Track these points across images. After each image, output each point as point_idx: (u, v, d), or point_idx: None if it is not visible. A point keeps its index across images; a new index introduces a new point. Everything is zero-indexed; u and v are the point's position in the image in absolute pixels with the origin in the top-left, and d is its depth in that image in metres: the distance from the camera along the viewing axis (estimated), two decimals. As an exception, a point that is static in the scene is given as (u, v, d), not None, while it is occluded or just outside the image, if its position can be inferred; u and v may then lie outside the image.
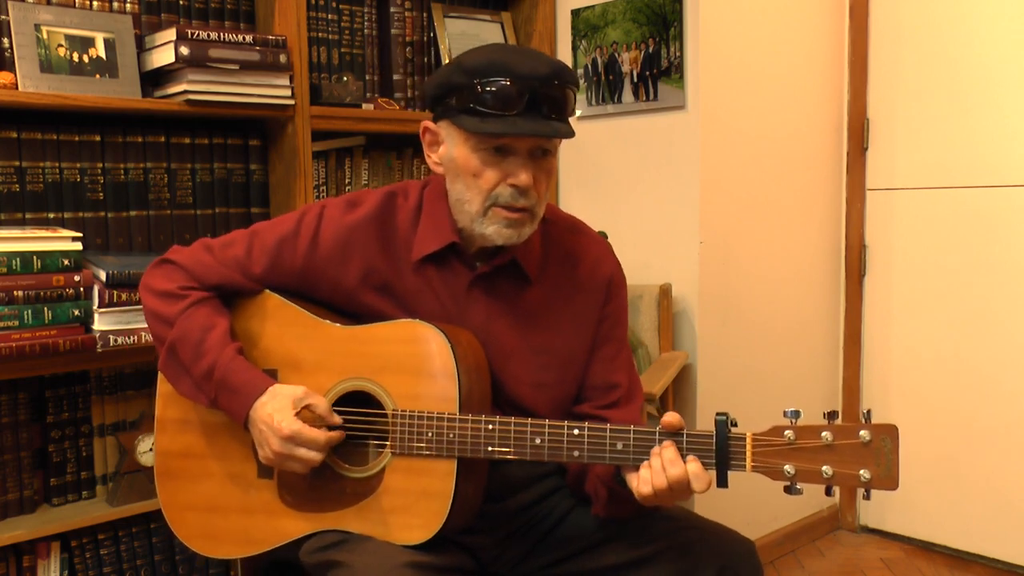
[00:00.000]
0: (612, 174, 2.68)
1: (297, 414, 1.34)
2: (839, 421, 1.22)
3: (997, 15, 2.61)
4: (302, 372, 1.44)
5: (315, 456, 1.34)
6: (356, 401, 1.40)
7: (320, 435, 1.33)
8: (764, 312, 2.73)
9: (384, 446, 1.37)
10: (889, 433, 1.19)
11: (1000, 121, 2.62)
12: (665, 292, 2.49)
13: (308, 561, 1.39)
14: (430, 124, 1.43)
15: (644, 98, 2.55)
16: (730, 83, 2.55)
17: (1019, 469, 2.64)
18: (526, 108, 1.30)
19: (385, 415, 1.37)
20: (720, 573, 1.33)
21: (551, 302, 1.47)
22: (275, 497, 1.43)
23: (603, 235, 2.45)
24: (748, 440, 1.23)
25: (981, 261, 2.69)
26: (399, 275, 1.45)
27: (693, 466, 1.23)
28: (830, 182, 2.94)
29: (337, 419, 1.37)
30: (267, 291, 1.49)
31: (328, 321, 1.44)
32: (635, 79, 2.57)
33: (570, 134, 1.34)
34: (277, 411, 1.34)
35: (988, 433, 2.70)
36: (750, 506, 2.70)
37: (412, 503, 1.34)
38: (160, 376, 1.51)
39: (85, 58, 2.00)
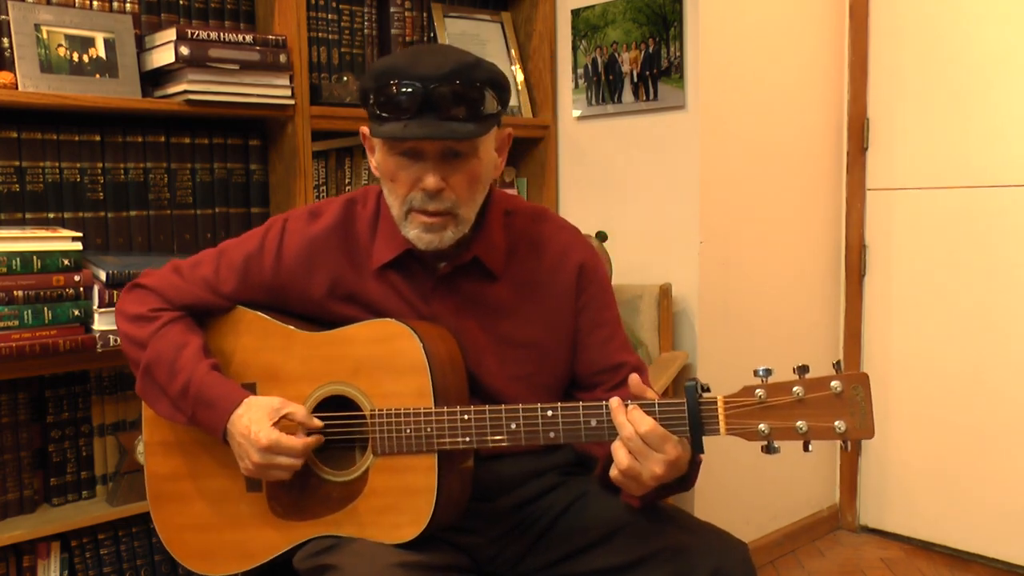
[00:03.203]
0: (612, 174, 2.68)
1: (275, 424, 1.34)
2: (811, 375, 1.20)
3: (997, 15, 2.61)
4: (280, 382, 1.44)
5: (294, 463, 1.35)
6: (336, 405, 1.41)
7: (298, 442, 1.34)
8: (764, 312, 2.73)
9: (366, 448, 1.38)
10: (860, 381, 1.18)
11: (1000, 121, 2.62)
12: (665, 292, 2.49)
13: (301, 567, 1.40)
14: (365, 129, 1.43)
15: (644, 98, 2.55)
16: (730, 83, 2.55)
17: (1019, 469, 2.64)
18: (420, 110, 1.29)
19: (364, 416, 1.37)
20: (713, 575, 1.33)
21: (519, 294, 1.47)
22: (266, 509, 1.44)
23: (603, 235, 2.47)
24: (720, 403, 1.22)
25: (981, 261, 2.69)
26: (364, 283, 1.45)
27: (634, 413, 1.23)
28: (830, 182, 2.94)
29: (317, 423, 1.38)
30: (240, 306, 1.49)
31: (301, 329, 1.45)
32: (635, 79, 2.57)
33: (467, 135, 1.31)
34: (254, 422, 1.35)
35: (988, 433, 2.70)
36: (750, 506, 2.70)
37: (398, 501, 1.34)
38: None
39: (85, 58, 2.00)
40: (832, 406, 1.18)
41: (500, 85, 1.36)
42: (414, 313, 1.44)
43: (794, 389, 1.20)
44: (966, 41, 2.68)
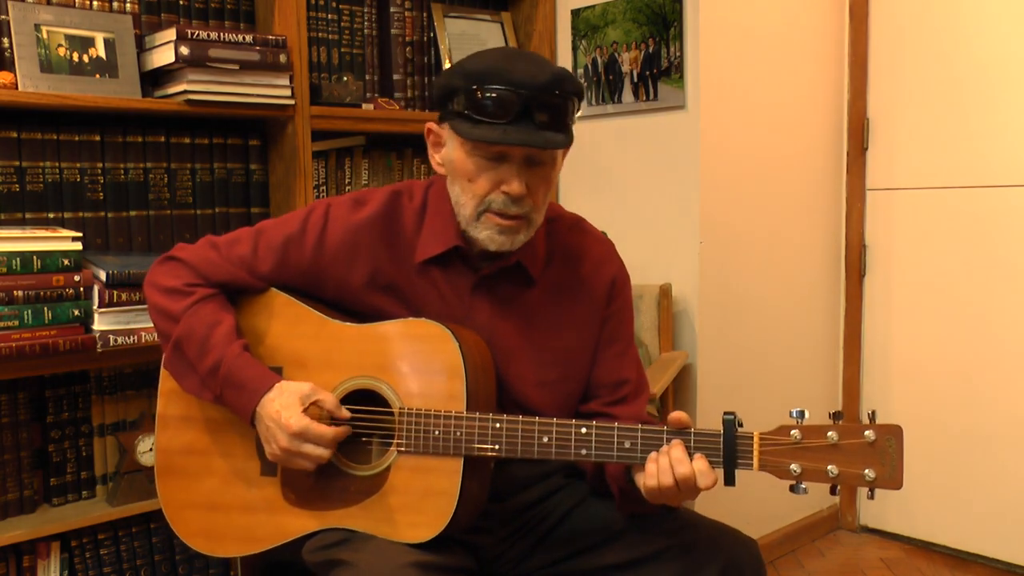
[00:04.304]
0: (612, 174, 2.68)
1: (305, 410, 1.34)
2: (844, 421, 1.23)
3: (997, 15, 2.61)
4: (308, 370, 1.43)
5: (322, 452, 1.33)
6: (362, 399, 1.40)
7: (327, 430, 1.33)
8: (764, 312, 2.73)
9: (390, 444, 1.37)
10: (894, 433, 1.21)
11: (1000, 121, 2.62)
12: (665, 292, 2.49)
13: (311, 559, 1.39)
14: (433, 125, 1.43)
15: (644, 98, 2.55)
16: (730, 83, 2.55)
17: (1019, 469, 2.64)
18: (519, 116, 1.30)
19: (391, 413, 1.37)
20: (723, 572, 1.33)
21: (554, 301, 1.48)
22: (278, 495, 1.43)
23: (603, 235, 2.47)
24: (755, 439, 1.24)
25: (981, 261, 2.69)
26: (404, 276, 1.45)
27: (699, 463, 1.23)
28: (830, 182, 2.94)
29: (346, 413, 1.37)
30: (273, 289, 1.48)
31: (334, 319, 1.44)
32: (635, 79, 2.57)
33: (564, 144, 1.34)
34: (284, 407, 1.34)
35: (988, 433, 2.70)
36: (751, 506, 2.70)
37: (417, 501, 1.34)
38: (163, 373, 1.51)
39: (85, 58, 2.00)
40: (864, 454, 1.21)
41: (582, 97, 1.39)
42: (449, 312, 1.44)
43: (829, 433, 1.22)
44: (966, 41, 2.68)
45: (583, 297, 1.49)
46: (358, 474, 1.39)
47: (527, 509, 1.47)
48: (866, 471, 1.20)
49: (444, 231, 1.43)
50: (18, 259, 1.81)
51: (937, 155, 2.76)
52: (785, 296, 2.81)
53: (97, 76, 2.01)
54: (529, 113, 1.30)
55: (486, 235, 1.37)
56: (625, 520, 1.41)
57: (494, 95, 1.30)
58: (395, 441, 1.36)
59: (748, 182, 2.64)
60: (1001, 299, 2.66)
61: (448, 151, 1.40)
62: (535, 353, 1.45)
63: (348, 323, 1.44)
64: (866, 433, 1.21)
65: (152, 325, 1.53)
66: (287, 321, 1.47)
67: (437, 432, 1.33)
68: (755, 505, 2.71)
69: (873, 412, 1.24)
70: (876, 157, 2.91)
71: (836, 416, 1.24)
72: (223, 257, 1.48)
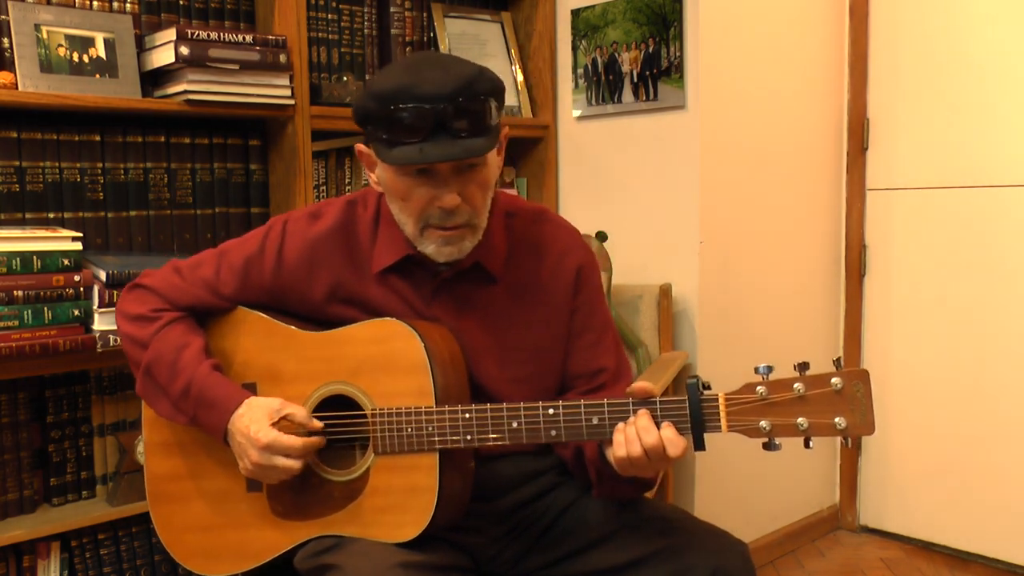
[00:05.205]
0: (612, 174, 2.68)
1: (275, 424, 1.34)
2: (810, 372, 1.21)
3: (997, 15, 2.61)
4: (281, 383, 1.44)
5: (294, 464, 1.34)
6: (337, 405, 1.41)
7: (297, 441, 1.34)
8: (764, 312, 2.73)
9: (367, 447, 1.38)
10: (861, 378, 1.19)
11: (1000, 121, 2.62)
12: (665, 292, 2.49)
13: (302, 567, 1.40)
14: (363, 147, 1.42)
15: (644, 98, 2.55)
16: (730, 83, 2.55)
17: (1019, 469, 2.64)
18: (434, 130, 1.27)
19: (365, 416, 1.38)
20: (713, 574, 1.33)
21: (519, 297, 1.47)
22: (266, 509, 1.44)
23: (603, 235, 2.47)
24: (721, 401, 1.23)
25: (981, 261, 2.69)
26: (364, 286, 1.45)
27: (667, 431, 1.23)
28: (830, 182, 2.94)
29: (317, 424, 1.38)
30: (241, 307, 1.50)
31: (303, 329, 1.45)
32: (635, 79, 2.57)
33: (485, 150, 1.30)
34: (254, 422, 1.35)
35: (988, 433, 2.70)
36: (750, 506, 2.70)
37: (399, 500, 1.34)
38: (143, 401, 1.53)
39: (85, 58, 2.00)
40: (832, 403, 1.19)
41: (500, 93, 1.35)
42: (415, 316, 1.44)
43: (795, 386, 1.21)
44: (966, 41, 2.68)
45: (549, 290, 1.48)
46: (340, 480, 1.40)
47: (519, 509, 1.47)
48: (836, 419, 1.19)
49: (395, 240, 1.43)
50: (18, 259, 1.81)
51: (937, 155, 2.76)
52: (785, 296, 2.81)
53: (97, 76, 2.01)
54: (444, 124, 1.27)
55: (432, 248, 1.37)
56: (616, 521, 1.42)
57: (405, 114, 1.27)
58: (371, 443, 1.37)
59: (748, 182, 2.64)
60: (1001, 299, 2.66)
61: (380, 171, 1.39)
62: (503, 351, 1.45)
63: (316, 331, 1.44)
64: (832, 381, 1.19)
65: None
66: (256, 336, 1.48)
67: (410, 429, 1.33)
68: (755, 505, 2.71)
69: (838, 359, 1.22)
70: (876, 157, 2.91)
71: (802, 367, 1.22)
72: (187, 281, 1.49)
